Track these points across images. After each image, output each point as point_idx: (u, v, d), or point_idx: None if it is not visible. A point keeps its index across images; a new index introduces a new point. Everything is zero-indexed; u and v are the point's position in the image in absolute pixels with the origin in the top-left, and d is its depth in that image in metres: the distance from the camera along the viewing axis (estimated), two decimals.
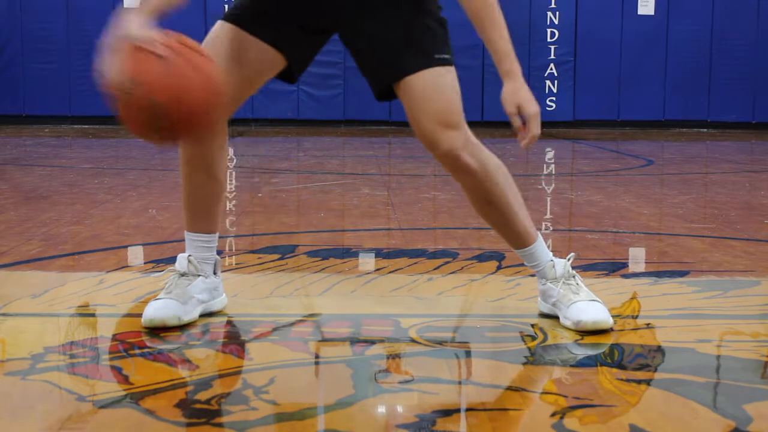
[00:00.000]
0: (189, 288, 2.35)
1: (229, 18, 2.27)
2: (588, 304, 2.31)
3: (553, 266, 2.39)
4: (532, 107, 2.17)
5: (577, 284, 2.37)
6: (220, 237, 3.54)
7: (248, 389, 1.87)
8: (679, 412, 1.76)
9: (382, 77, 2.25)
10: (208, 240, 2.41)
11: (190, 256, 2.40)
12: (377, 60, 2.24)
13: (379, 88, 2.27)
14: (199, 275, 2.39)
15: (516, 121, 2.18)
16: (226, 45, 2.23)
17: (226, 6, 11.04)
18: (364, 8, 2.23)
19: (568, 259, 2.42)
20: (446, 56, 2.23)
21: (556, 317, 2.39)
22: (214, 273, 2.44)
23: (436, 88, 2.20)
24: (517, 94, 2.18)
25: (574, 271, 2.40)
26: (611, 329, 2.29)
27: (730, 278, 2.98)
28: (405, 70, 2.19)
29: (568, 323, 2.31)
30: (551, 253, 2.42)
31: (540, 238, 2.41)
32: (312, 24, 2.27)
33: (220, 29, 2.27)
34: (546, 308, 2.43)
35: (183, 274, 2.38)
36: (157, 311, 2.28)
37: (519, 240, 2.39)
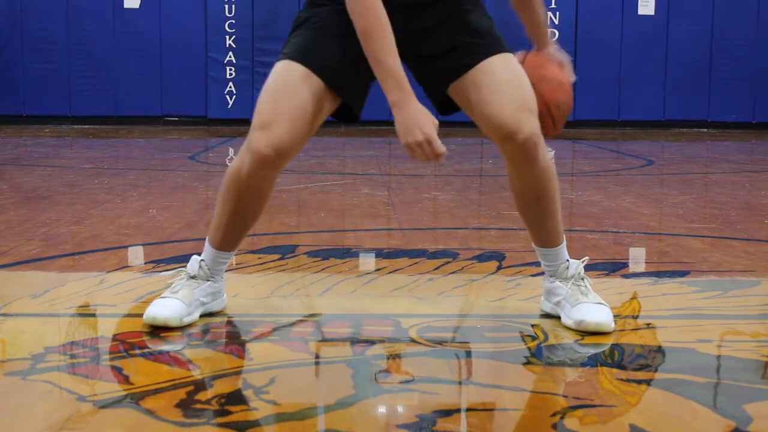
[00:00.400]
0: (196, 291, 2.36)
1: (299, 58, 2.19)
2: (594, 306, 2.31)
3: (567, 267, 2.39)
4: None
5: (587, 286, 2.37)
6: None
7: (249, 389, 1.87)
8: (680, 412, 1.76)
9: (451, 70, 2.20)
10: (227, 256, 2.41)
11: (203, 261, 2.39)
12: (443, 53, 2.21)
13: (445, 91, 2.24)
14: (209, 280, 2.39)
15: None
16: (305, 94, 2.17)
17: (227, 6, 11.03)
18: (427, 14, 2.22)
19: (583, 261, 2.42)
20: (508, 47, 2.25)
21: (557, 317, 2.38)
22: (220, 276, 2.45)
23: (514, 72, 2.19)
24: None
25: (584, 274, 2.41)
26: (612, 332, 2.29)
27: (730, 278, 2.98)
28: (479, 56, 2.17)
29: (569, 322, 2.30)
30: (567, 253, 2.43)
31: (564, 243, 2.41)
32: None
33: (294, 74, 2.19)
34: (548, 307, 2.43)
35: (192, 277, 2.38)
36: (160, 310, 2.28)
37: (549, 239, 2.38)
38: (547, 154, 2.26)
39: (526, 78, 2.20)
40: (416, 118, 2.07)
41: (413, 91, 2.10)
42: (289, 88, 2.17)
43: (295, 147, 2.19)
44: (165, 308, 2.28)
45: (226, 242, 2.38)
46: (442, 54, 2.22)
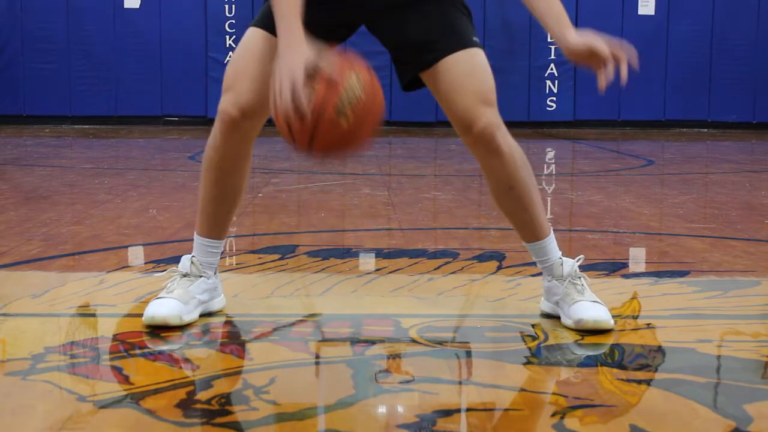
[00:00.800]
0: (191, 288, 2.36)
1: (261, 24, 2.25)
2: (591, 305, 2.32)
3: (561, 264, 2.40)
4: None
5: (583, 285, 2.38)
6: None
7: (249, 389, 1.87)
8: (680, 412, 1.76)
9: (421, 61, 2.26)
10: (216, 245, 2.42)
11: (194, 257, 2.41)
12: (415, 45, 2.25)
13: (413, 75, 2.29)
14: (201, 276, 2.40)
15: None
16: (266, 55, 2.19)
17: (227, 6, 11.03)
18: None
19: (578, 260, 2.43)
20: (477, 40, 2.28)
21: (557, 317, 2.39)
22: (215, 273, 2.45)
23: (474, 66, 2.24)
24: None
25: (581, 273, 2.41)
26: (611, 330, 2.29)
27: (730, 278, 2.98)
28: (445, 51, 2.23)
29: (568, 322, 2.31)
30: (559, 251, 2.42)
31: (552, 234, 2.41)
32: (342, 20, 2.27)
33: (255, 38, 2.25)
34: (548, 307, 2.43)
35: (185, 275, 2.39)
36: (158, 310, 2.28)
37: (533, 232, 2.39)
38: (514, 144, 2.29)
39: (487, 73, 2.26)
40: (291, 55, 1.98)
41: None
42: (249, 51, 2.23)
43: (259, 106, 2.21)
44: (163, 307, 2.29)
45: (213, 228, 2.39)
46: (413, 43, 2.26)
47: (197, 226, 2.42)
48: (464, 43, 2.25)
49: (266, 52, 2.19)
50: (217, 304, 2.45)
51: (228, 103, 2.22)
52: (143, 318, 2.29)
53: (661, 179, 6.28)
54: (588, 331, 2.27)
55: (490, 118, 2.23)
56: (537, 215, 2.37)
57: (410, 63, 2.29)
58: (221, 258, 3.10)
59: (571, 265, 2.40)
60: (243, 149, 2.30)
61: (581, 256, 2.47)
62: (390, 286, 2.82)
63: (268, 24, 2.20)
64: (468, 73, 2.23)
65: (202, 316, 2.39)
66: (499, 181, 2.33)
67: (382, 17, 2.29)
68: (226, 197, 2.37)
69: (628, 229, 3.97)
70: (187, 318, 2.32)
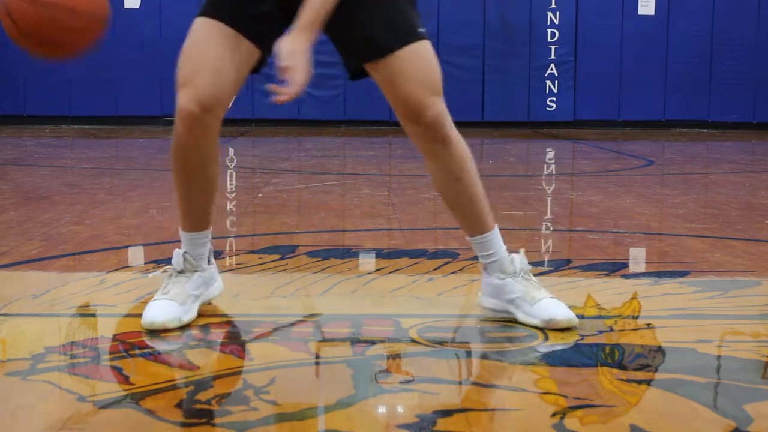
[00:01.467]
0: (187, 286, 2.36)
1: (209, 13, 2.23)
2: (553, 301, 2.32)
3: (512, 260, 2.38)
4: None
5: (535, 281, 2.37)
6: (220, 238, 3.55)
7: (249, 389, 1.87)
8: (680, 413, 1.76)
9: (367, 55, 2.25)
10: (204, 236, 2.42)
11: (186, 253, 2.40)
12: (360, 39, 2.24)
13: (359, 67, 2.28)
14: (196, 271, 2.39)
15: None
16: (220, 44, 2.19)
17: None
18: None
19: (522, 253, 2.40)
20: (423, 30, 2.27)
21: (504, 312, 2.37)
22: (209, 262, 2.44)
23: (420, 58, 2.24)
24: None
25: (528, 267, 2.39)
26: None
27: (730, 278, 2.98)
28: (392, 47, 2.22)
29: (534, 321, 2.30)
30: (504, 246, 2.40)
31: (497, 228, 2.39)
32: (287, 7, 2.21)
33: (205, 28, 2.23)
34: (493, 304, 2.40)
35: (180, 272, 2.38)
36: (156, 314, 2.27)
37: (477, 225, 2.37)
38: (458, 135, 2.30)
39: (432, 63, 2.26)
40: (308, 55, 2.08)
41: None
42: (202, 43, 2.21)
43: (220, 99, 2.19)
44: (161, 311, 2.28)
45: (195, 220, 2.39)
46: (356, 37, 2.25)
47: (180, 223, 2.41)
48: (408, 38, 2.24)
49: (220, 41, 2.18)
50: (215, 291, 2.47)
51: (186, 98, 2.20)
52: (142, 323, 2.28)
53: (661, 179, 6.28)
54: (557, 329, 2.27)
55: (438, 108, 2.24)
56: (481, 208, 2.36)
57: (353, 56, 2.28)
58: (221, 258, 3.10)
59: (520, 260, 2.38)
60: (208, 142, 2.26)
61: (521, 249, 2.43)
62: (390, 286, 2.82)
63: (217, 12, 2.20)
64: (415, 66, 2.23)
65: (202, 313, 2.38)
66: (447, 172, 2.33)
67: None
68: (201, 190, 2.35)
69: (628, 229, 3.97)
70: (186, 318, 2.31)
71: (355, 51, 2.27)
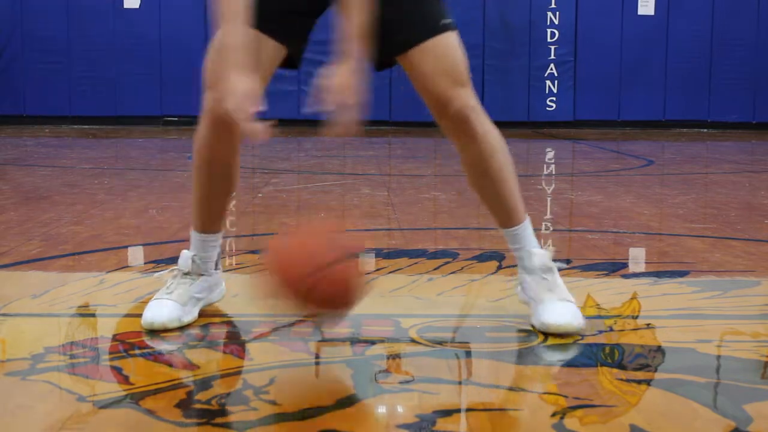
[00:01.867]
0: (191, 288, 2.36)
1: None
2: (558, 306, 2.26)
3: (530, 256, 2.34)
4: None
5: (554, 281, 2.31)
6: None
7: (248, 389, 1.87)
8: (680, 413, 1.76)
9: (393, 47, 2.26)
10: (215, 239, 2.41)
11: (195, 255, 2.39)
12: (387, 30, 2.23)
13: (382, 59, 2.28)
14: (202, 275, 2.39)
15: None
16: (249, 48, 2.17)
17: None
18: None
19: (548, 251, 2.36)
20: (451, 21, 2.28)
21: (524, 322, 2.35)
22: (215, 267, 2.44)
23: (448, 49, 2.25)
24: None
25: (553, 265, 2.34)
26: (581, 333, 2.26)
27: (730, 278, 2.98)
28: (419, 38, 2.23)
29: (535, 323, 2.28)
30: (535, 240, 2.37)
31: (528, 222, 2.37)
32: (311, 4, 2.25)
33: (235, 32, 2.20)
34: (523, 298, 2.39)
35: (186, 273, 2.38)
36: (157, 314, 2.27)
37: (508, 217, 2.35)
38: (490, 127, 2.29)
39: (459, 55, 2.27)
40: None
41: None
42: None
43: None
44: (161, 312, 2.28)
45: (209, 222, 2.38)
46: (383, 29, 2.23)
47: (193, 223, 2.40)
48: (435, 29, 2.25)
49: (248, 45, 2.16)
50: (217, 296, 2.47)
51: (213, 100, 2.19)
52: (142, 322, 2.28)
53: (661, 179, 6.28)
54: (551, 334, 2.24)
55: (465, 99, 2.25)
56: (512, 200, 2.34)
57: (379, 47, 2.27)
58: (222, 258, 3.09)
59: (540, 257, 2.33)
60: (234, 143, 2.28)
61: (552, 248, 2.39)
62: (390, 286, 2.82)
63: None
64: (442, 56, 2.24)
65: (203, 313, 2.38)
66: (474, 164, 2.33)
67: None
68: (221, 191, 2.35)
69: (628, 229, 3.97)
70: (187, 319, 2.31)
71: (381, 43, 2.26)
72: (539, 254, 2.34)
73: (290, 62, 2.32)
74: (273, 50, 2.25)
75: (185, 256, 2.40)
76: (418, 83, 2.27)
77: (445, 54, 2.25)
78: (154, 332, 2.25)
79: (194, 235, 2.41)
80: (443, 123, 2.29)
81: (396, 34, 2.24)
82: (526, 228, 2.37)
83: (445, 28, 2.27)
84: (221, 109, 2.10)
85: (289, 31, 2.26)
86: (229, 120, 2.09)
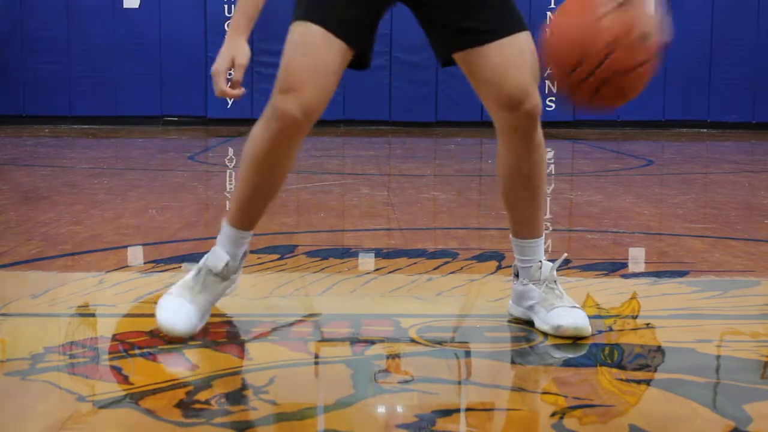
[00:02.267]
0: (216, 291, 2.26)
1: (314, 19, 2.17)
2: (570, 311, 2.27)
3: (540, 267, 2.35)
4: None
5: (560, 290, 2.33)
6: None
7: (248, 389, 1.87)
8: (679, 412, 1.76)
9: (469, 41, 2.22)
10: (247, 236, 2.31)
11: (229, 260, 2.26)
12: (462, 25, 2.21)
13: (454, 52, 2.25)
14: (230, 277, 2.28)
15: None
16: (325, 51, 2.16)
17: (226, 6, 11.03)
18: None
19: (556, 263, 2.37)
20: (525, 20, 2.28)
21: (527, 322, 2.36)
22: (238, 271, 2.33)
23: (529, 47, 2.24)
24: None
25: (557, 277, 2.36)
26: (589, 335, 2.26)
27: (729, 278, 2.98)
28: (509, 30, 2.22)
29: (545, 327, 2.26)
30: (543, 253, 2.38)
31: (543, 236, 2.38)
32: (376, 8, 2.21)
33: (311, 33, 2.17)
34: (518, 312, 2.38)
35: (215, 274, 2.25)
36: (179, 321, 2.16)
37: (533, 228, 2.35)
38: (542, 139, 2.28)
39: (535, 55, 2.24)
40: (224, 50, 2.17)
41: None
42: (308, 49, 2.16)
43: (321, 106, 2.16)
44: (181, 320, 2.17)
45: (249, 220, 2.28)
46: (456, 19, 2.22)
47: (231, 218, 2.28)
48: (522, 25, 2.25)
49: (327, 50, 2.15)
50: (231, 291, 2.38)
51: (291, 104, 2.12)
52: (160, 322, 2.16)
53: (660, 179, 6.29)
54: (566, 337, 2.24)
55: (538, 98, 2.23)
56: (540, 212, 2.35)
57: (456, 40, 2.23)
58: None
59: (549, 268, 2.34)
60: (295, 145, 2.22)
61: (563, 257, 2.43)
62: (389, 286, 2.82)
63: (322, 17, 2.15)
64: (525, 52, 2.22)
65: None
66: (521, 168, 2.29)
67: None
68: (269, 189, 2.27)
69: (628, 229, 3.97)
70: (200, 327, 2.22)
71: (450, 35, 2.24)
72: (549, 265, 2.36)
73: (359, 62, 2.25)
74: (344, 55, 2.18)
75: (219, 256, 2.26)
76: (494, 74, 2.20)
77: (527, 49, 2.23)
78: (154, 331, 2.22)
79: (229, 231, 2.28)
80: (511, 119, 2.23)
81: (482, 25, 2.21)
82: (542, 242, 2.37)
83: (527, 27, 2.26)
84: (299, 117, 2.11)
85: (359, 36, 2.20)
86: (300, 125, 2.12)
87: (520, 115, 2.21)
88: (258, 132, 2.20)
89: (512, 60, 2.21)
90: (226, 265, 2.26)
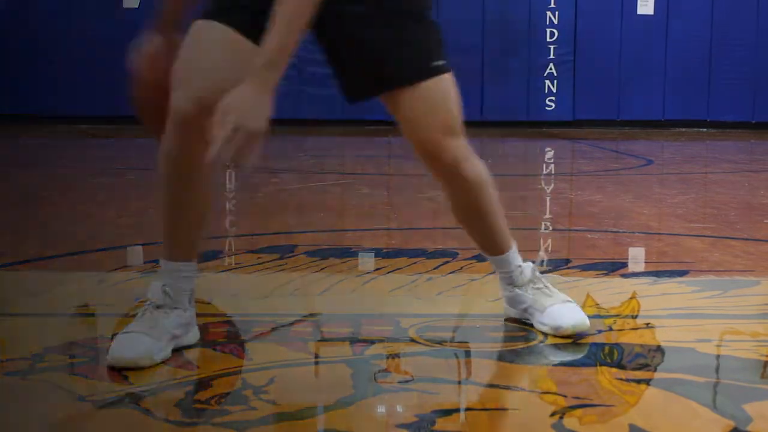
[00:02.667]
0: (165, 322, 2.05)
1: (214, 15, 2.06)
2: (563, 307, 2.25)
3: (521, 272, 2.31)
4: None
5: (547, 287, 2.30)
6: (219, 237, 3.54)
7: (248, 389, 1.87)
8: (679, 412, 1.76)
9: (371, 87, 2.11)
10: (189, 268, 2.11)
11: (165, 286, 2.08)
12: (365, 67, 2.10)
13: (363, 96, 2.13)
14: (176, 308, 2.08)
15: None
16: (221, 45, 2.04)
17: None
18: (347, 6, 2.05)
19: (535, 263, 2.34)
20: (442, 63, 2.11)
21: (525, 321, 2.35)
22: (189, 303, 2.14)
23: (435, 99, 2.09)
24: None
25: (540, 275, 2.33)
26: (594, 330, 2.26)
27: (729, 278, 2.98)
28: (410, 79, 2.07)
29: (545, 328, 2.25)
30: (520, 258, 2.34)
31: (514, 244, 2.33)
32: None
33: (194, 30, 2.08)
34: (515, 313, 2.37)
35: (158, 307, 2.07)
36: (127, 349, 1.98)
37: (495, 247, 2.31)
38: (479, 167, 2.19)
39: (451, 102, 2.12)
40: (263, 106, 1.88)
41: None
42: (193, 44, 2.05)
43: (214, 95, 1.91)
44: (132, 347, 1.99)
45: (179, 247, 2.10)
46: (366, 65, 2.09)
47: (163, 251, 2.11)
48: (429, 71, 2.08)
49: (221, 42, 2.03)
50: (191, 339, 2.14)
51: (181, 99, 1.98)
52: (109, 357, 1.98)
53: (660, 179, 6.28)
54: (567, 336, 2.24)
55: (456, 151, 2.12)
56: (501, 231, 2.29)
57: (361, 85, 2.12)
58: (220, 257, 3.10)
59: (530, 269, 2.32)
60: (200, 149, 1.92)
61: (539, 259, 2.40)
62: (389, 286, 2.82)
63: (217, 14, 2.04)
64: (432, 105, 2.08)
65: (199, 311, 2.37)
66: (464, 207, 2.27)
67: (334, 26, 2.05)
68: (189, 208, 2.08)
69: (628, 228, 3.97)
70: (159, 357, 2.01)
71: (362, 80, 2.11)
72: (528, 267, 2.32)
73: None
74: (248, 51, 1.98)
75: (155, 287, 2.09)
76: (405, 128, 2.11)
77: (438, 100, 2.08)
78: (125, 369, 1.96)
79: (164, 265, 2.11)
80: (433, 172, 2.18)
81: (382, 67, 2.06)
82: (512, 254, 2.32)
83: (438, 70, 2.08)
84: (190, 108, 1.95)
85: (241, 15, 2.04)
86: (198, 121, 1.91)
87: (440, 168, 2.16)
88: (162, 142, 2.05)
89: (422, 112, 2.08)
90: (165, 293, 2.08)
